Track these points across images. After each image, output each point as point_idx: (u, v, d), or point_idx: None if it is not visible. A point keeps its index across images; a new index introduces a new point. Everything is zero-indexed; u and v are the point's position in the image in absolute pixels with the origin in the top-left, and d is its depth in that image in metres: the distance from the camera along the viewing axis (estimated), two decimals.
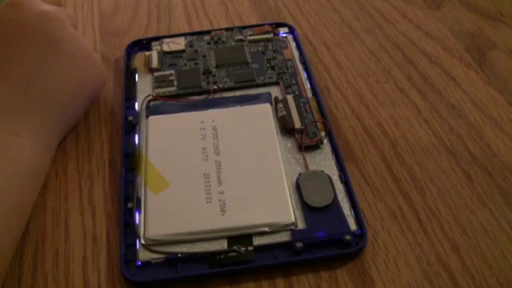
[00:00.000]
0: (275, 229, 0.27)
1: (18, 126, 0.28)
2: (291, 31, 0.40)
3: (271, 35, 0.39)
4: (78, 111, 0.33)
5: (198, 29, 0.42)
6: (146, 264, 0.26)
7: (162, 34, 0.41)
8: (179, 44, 0.39)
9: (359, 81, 0.37)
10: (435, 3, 0.43)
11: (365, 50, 0.39)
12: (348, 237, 0.27)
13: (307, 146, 0.31)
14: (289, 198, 0.28)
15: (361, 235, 0.27)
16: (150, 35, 0.41)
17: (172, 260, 0.26)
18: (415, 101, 0.35)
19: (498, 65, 0.37)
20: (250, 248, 0.26)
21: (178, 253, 0.26)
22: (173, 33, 0.42)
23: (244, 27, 0.40)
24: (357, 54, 0.39)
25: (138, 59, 0.38)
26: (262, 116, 0.33)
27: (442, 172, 0.31)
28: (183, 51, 0.39)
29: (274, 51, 0.38)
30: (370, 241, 0.27)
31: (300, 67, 0.37)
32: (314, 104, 0.34)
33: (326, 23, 0.42)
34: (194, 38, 0.40)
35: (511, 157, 0.31)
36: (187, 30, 0.42)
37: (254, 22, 0.42)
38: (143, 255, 0.26)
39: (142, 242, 0.27)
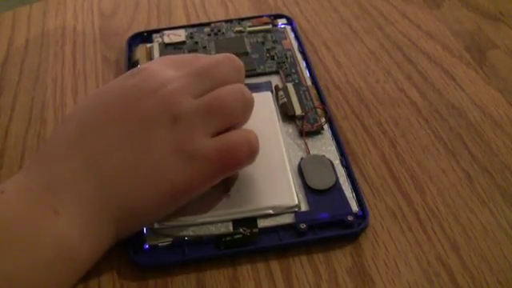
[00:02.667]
0: (279, 211, 0.28)
1: (63, 205, 0.24)
2: (289, 22, 0.41)
3: (270, 26, 0.40)
4: (151, 209, 0.26)
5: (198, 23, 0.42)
6: (154, 247, 0.27)
7: (161, 26, 0.42)
8: (180, 36, 0.40)
9: (359, 80, 0.37)
10: (435, 3, 0.43)
11: (365, 49, 0.39)
12: (350, 217, 0.27)
13: (308, 132, 0.32)
14: (292, 182, 0.29)
15: (363, 216, 0.28)
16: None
17: (179, 243, 0.27)
18: (415, 100, 0.35)
19: (498, 64, 0.37)
20: (255, 230, 0.27)
21: (184, 236, 0.27)
22: None
23: (243, 19, 0.41)
24: (357, 53, 0.39)
25: (140, 51, 0.38)
26: (263, 104, 0.33)
27: (442, 172, 0.31)
28: (184, 43, 0.39)
29: (274, 41, 0.39)
30: (371, 223, 0.28)
31: (299, 57, 0.38)
32: (313, 92, 0.35)
33: (326, 23, 0.42)
34: (195, 29, 0.40)
35: (511, 156, 0.31)
36: None
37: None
38: (150, 239, 0.27)
39: (150, 226, 0.27)
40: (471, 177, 0.30)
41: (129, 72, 0.28)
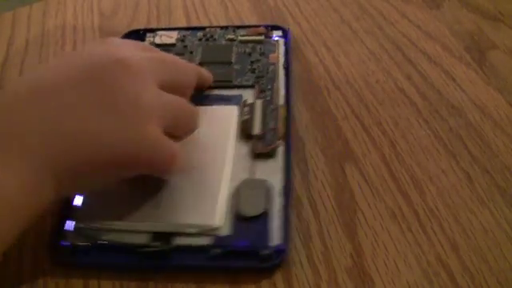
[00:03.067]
0: (199, 231, 0.27)
1: (3, 158, 0.24)
2: (284, 35, 0.40)
3: (262, 37, 0.39)
4: (91, 171, 0.26)
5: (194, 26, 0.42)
6: (73, 247, 0.27)
7: (160, 26, 0.42)
8: (171, 38, 0.40)
9: (359, 81, 0.37)
10: (435, 3, 0.43)
11: (364, 49, 0.39)
12: (266, 251, 0.26)
13: (260, 154, 0.31)
14: (221, 203, 0.28)
15: (280, 252, 0.26)
16: None
17: (98, 246, 0.27)
18: (415, 101, 0.35)
19: (498, 64, 0.37)
20: (171, 246, 0.27)
21: (104, 240, 0.27)
22: None
23: (239, 27, 0.40)
24: (356, 53, 0.39)
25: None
26: (225, 118, 0.33)
27: (442, 172, 0.31)
28: (173, 45, 0.39)
29: (261, 54, 0.38)
30: (290, 259, 0.27)
31: (282, 73, 0.36)
32: (282, 112, 0.33)
33: (326, 23, 0.42)
34: (188, 32, 0.40)
35: (511, 157, 0.31)
36: None
37: (253, 22, 0.42)
38: (71, 237, 0.27)
39: (74, 225, 0.28)
40: (471, 177, 0.30)
41: (94, 41, 0.28)
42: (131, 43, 0.30)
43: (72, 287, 0.26)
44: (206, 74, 0.35)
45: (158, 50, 0.32)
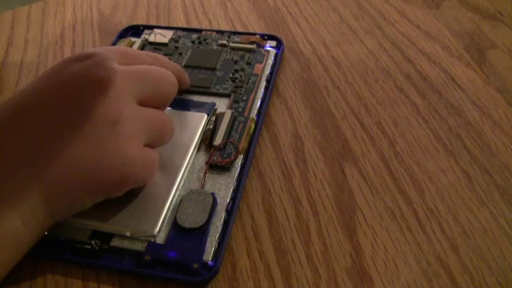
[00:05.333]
0: (135, 235, 0.27)
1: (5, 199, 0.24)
2: (278, 46, 0.39)
3: (254, 46, 0.38)
4: (78, 193, 0.26)
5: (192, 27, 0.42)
6: None
7: (159, 24, 0.42)
8: (165, 37, 0.40)
9: (358, 80, 0.37)
10: (434, 3, 0.43)
11: (364, 49, 0.39)
12: (196, 265, 0.26)
13: (215, 165, 0.30)
14: (163, 211, 0.28)
15: (211, 267, 0.26)
16: None
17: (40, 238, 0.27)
18: (414, 100, 0.35)
19: (497, 64, 0.37)
20: (105, 246, 0.27)
21: (46, 232, 0.27)
22: None
23: (235, 33, 0.40)
24: (356, 53, 0.39)
25: (123, 44, 0.39)
26: (192, 125, 0.32)
27: (441, 171, 0.31)
28: (165, 45, 0.39)
29: (247, 63, 0.37)
30: (222, 279, 0.26)
31: (262, 85, 0.35)
32: (250, 125, 0.32)
33: (325, 23, 0.42)
34: (184, 33, 0.40)
35: (510, 156, 0.31)
36: None
37: (252, 22, 0.42)
38: None
39: None
40: (470, 177, 0.30)
41: (76, 55, 0.28)
42: (114, 54, 0.29)
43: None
44: (185, 76, 0.34)
45: (137, 55, 0.31)
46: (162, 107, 0.30)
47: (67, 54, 0.41)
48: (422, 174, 0.31)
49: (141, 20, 0.43)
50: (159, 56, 0.32)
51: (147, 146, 0.28)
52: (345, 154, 0.32)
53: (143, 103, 0.28)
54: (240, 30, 0.42)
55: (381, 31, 0.41)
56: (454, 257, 0.27)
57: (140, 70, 0.28)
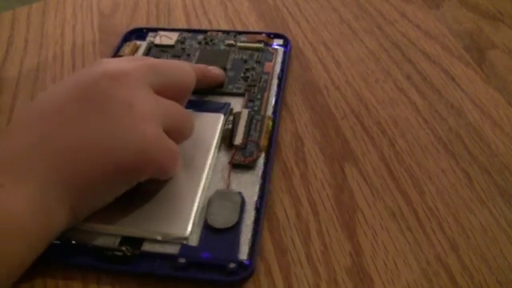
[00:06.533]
0: (167, 239, 0.27)
1: (11, 178, 0.24)
2: (285, 44, 0.39)
3: (261, 45, 0.38)
4: (100, 187, 0.26)
5: (197, 28, 0.42)
6: None
7: (160, 26, 0.42)
8: (171, 39, 0.39)
9: (358, 80, 0.37)
10: (434, 3, 0.43)
11: (364, 49, 0.39)
12: (232, 265, 0.26)
13: (238, 165, 0.30)
14: (192, 212, 0.28)
15: (247, 266, 0.26)
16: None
17: (67, 245, 0.27)
18: (414, 100, 0.35)
19: (497, 64, 0.37)
20: (137, 251, 0.26)
21: (72, 239, 0.27)
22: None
23: (241, 32, 0.40)
24: (356, 53, 0.39)
25: (128, 48, 0.39)
26: (209, 125, 0.32)
27: (441, 171, 0.31)
28: (172, 47, 0.39)
29: (257, 62, 0.37)
30: (258, 275, 0.26)
31: (275, 83, 0.36)
32: (268, 123, 0.32)
33: (326, 23, 0.42)
34: (189, 35, 0.40)
35: (510, 156, 0.31)
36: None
37: (252, 22, 0.42)
38: None
39: None
40: (470, 177, 0.30)
41: (89, 65, 0.29)
42: (123, 58, 0.30)
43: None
44: (216, 71, 0.35)
45: (150, 58, 0.31)
46: (180, 100, 0.29)
47: (67, 53, 0.41)
48: (422, 173, 0.31)
49: (141, 20, 0.43)
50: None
51: (167, 134, 0.27)
52: (345, 154, 0.32)
53: (160, 93, 0.28)
54: (240, 29, 0.42)
55: (381, 31, 0.41)
56: (453, 257, 0.27)
57: (155, 61, 0.29)
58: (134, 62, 0.29)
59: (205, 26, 0.42)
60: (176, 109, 0.29)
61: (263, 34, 0.40)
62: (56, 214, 0.25)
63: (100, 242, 0.27)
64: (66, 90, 0.27)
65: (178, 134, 0.28)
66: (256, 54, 0.38)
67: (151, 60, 0.29)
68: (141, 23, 0.43)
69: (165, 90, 0.28)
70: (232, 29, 0.42)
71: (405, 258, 0.27)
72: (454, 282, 0.26)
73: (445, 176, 0.30)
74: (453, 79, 0.36)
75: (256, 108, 0.34)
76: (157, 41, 0.39)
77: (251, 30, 0.41)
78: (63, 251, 0.27)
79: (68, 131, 0.25)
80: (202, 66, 0.35)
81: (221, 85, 0.35)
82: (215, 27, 0.42)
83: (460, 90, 0.35)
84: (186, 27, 0.42)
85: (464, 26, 0.41)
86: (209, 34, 0.40)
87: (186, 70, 0.30)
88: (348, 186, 0.30)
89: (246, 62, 0.37)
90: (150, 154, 0.26)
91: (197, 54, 0.38)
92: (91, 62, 0.33)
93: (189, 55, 0.38)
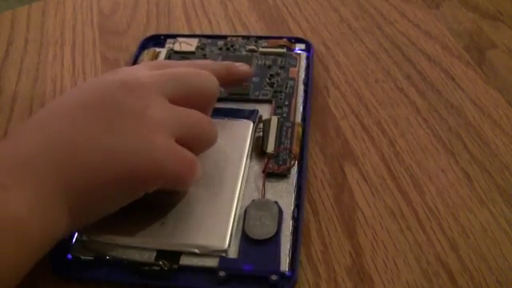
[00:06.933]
0: (205, 252, 0.26)
1: (14, 179, 0.23)
2: (307, 48, 0.38)
3: (284, 50, 0.38)
4: (105, 195, 0.25)
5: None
6: (76, 259, 0.26)
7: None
8: (191, 45, 0.39)
9: (358, 80, 0.37)
10: (434, 2, 0.43)
11: (364, 49, 0.39)
12: (274, 277, 0.25)
13: (272, 174, 0.30)
14: (229, 224, 0.27)
15: (289, 278, 0.25)
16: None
17: (101, 261, 0.26)
18: (414, 100, 0.35)
19: (497, 64, 0.37)
20: (175, 266, 0.26)
21: (106, 255, 0.26)
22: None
23: (261, 37, 0.39)
24: (356, 53, 0.39)
25: (148, 55, 0.38)
26: (239, 133, 0.31)
27: (441, 171, 0.31)
28: (193, 53, 0.38)
29: (281, 67, 0.36)
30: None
31: (301, 88, 0.35)
32: (298, 130, 0.32)
33: (325, 22, 0.42)
34: (209, 41, 0.39)
35: (510, 156, 0.31)
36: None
37: (252, 22, 0.42)
38: (75, 250, 0.26)
39: (78, 237, 0.27)
40: (470, 176, 0.30)
41: (109, 72, 0.28)
42: (141, 66, 0.29)
43: None
44: (239, 68, 0.33)
45: (171, 64, 0.30)
46: (204, 109, 0.28)
47: (67, 54, 0.41)
48: (421, 173, 0.31)
49: (141, 19, 0.43)
50: (197, 61, 0.32)
51: (181, 144, 0.26)
52: (345, 154, 0.32)
53: (180, 103, 0.27)
54: (240, 29, 0.42)
55: (381, 31, 0.41)
56: (453, 256, 0.27)
57: (173, 71, 0.28)
58: (153, 71, 0.28)
59: (205, 25, 0.42)
60: (194, 118, 0.28)
61: (284, 39, 0.39)
62: (55, 218, 0.24)
63: (135, 256, 0.26)
64: (80, 96, 0.27)
65: (198, 142, 0.28)
66: (279, 60, 0.37)
67: (171, 70, 0.28)
68: (141, 23, 0.43)
69: (185, 99, 0.27)
70: (232, 29, 0.42)
71: (405, 257, 0.27)
72: (454, 281, 0.26)
73: (445, 176, 0.30)
74: (453, 79, 0.36)
75: (285, 115, 0.33)
76: (176, 47, 0.39)
77: (251, 30, 0.41)
78: (97, 267, 0.26)
79: (73, 135, 0.25)
80: (227, 62, 0.33)
81: (245, 81, 0.34)
82: (215, 27, 0.42)
83: (460, 90, 0.35)
84: (186, 27, 0.42)
85: (464, 25, 0.41)
86: (229, 39, 0.39)
87: (207, 78, 0.29)
88: (348, 185, 0.30)
89: (270, 67, 0.36)
90: (158, 164, 0.25)
91: (219, 59, 0.37)
92: (110, 70, 0.31)
93: None
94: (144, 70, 0.28)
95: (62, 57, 0.41)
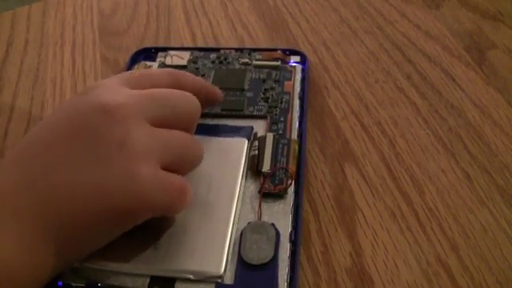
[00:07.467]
0: (200, 278, 0.25)
1: None
2: (302, 61, 0.37)
3: (278, 63, 0.36)
4: (90, 230, 0.24)
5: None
6: (67, 287, 0.26)
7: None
8: (182, 59, 0.37)
9: (358, 80, 0.37)
10: (434, 3, 0.43)
11: (364, 49, 0.39)
12: None
13: (268, 194, 0.28)
14: (225, 248, 0.26)
15: None
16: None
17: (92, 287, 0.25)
18: (414, 100, 0.35)
19: (498, 64, 0.37)
20: None
21: (98, 282, 0.26)
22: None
23: (254, 50, 0.38)
24: (356, 53, 0.39)
25: (138, 69, 0.37)
26: (233, 152, 0.30)
27: (441, 171, 0.31)
28: (185, 67, 0.37)
29: (275, 81, 0.35)
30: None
31: (296, 103, 0.33)
32: (294, 147, 0.31)
33: (326, 23, 0.42)
34: (201, 54, 0.38)
35: (510, 156, 0.31)
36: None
37: (252, 22, 0.42)
38: (66, 277, 0.26)
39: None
40: (470, 177, 0.30)
41: (84, 88, 0.27)
42: (119, 80, 0.27)
43: None
44: (215, 91, 0.32)
45: (157, 76, 0.29)
46: (187, 129, 0.27)
47: (67, 54, 0.41)
48: (422, 174, 0.31)
49: (141, 20, 0.43)
50: (177, 72, 0.30)
51: (168, 169, 0.25)
52: (345, 154, 0.32)
53: (162, 124, 0.26)
54: (240, 29, 0.42)
55: (381, 31, 0.41)
56: (454, 257, 0.27)
57: (153, 91, 0.27)
58: (132, 89, 0.27)
59: (205, 26, 0.42)
60: (178, 139, 0.26)
61: (279, 51, 0.38)
62: (42, 259, 0.23)
63: (128, 283, 0.25)
64: (57, 125, 0.25)
65: (184, 164, 0.27)
66: (274, 73, 0.36)
67: (151, 90, 0.27)
68: (141, 23, 0.43)
69: (167, 121, 0.26)
70: (233, 31, 0.42)
71: (405, 258, 0.27)
72: (454, 282, 0.26)
73: (445, 176, 0.30)
74: (453, 79, 0.36)
75: (280, 131, 0.32)
76: (168, 61, 0.37)
77: (251, 30, 0.41)
78: None
79: (55, 170, 0.24)
80: (206, 84, 0.32)
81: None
82: (215, 27, 0.42)
83: (460, 90, 0.35)
84: (186, 28, 0.42)
85: (464, 26, 0.41)
86: (222, 52, 0.38)
87: (188, 98, 0.28)
88: (348, 186, 0.30)
89: (264, 81, 0.35)
90: (144, 196, 0.24)
91: (212, 74, 0.36)
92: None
93: (203, 75, 0.36)
94: (122, 89, 0.26)
95: (62, 57, 0.41)
